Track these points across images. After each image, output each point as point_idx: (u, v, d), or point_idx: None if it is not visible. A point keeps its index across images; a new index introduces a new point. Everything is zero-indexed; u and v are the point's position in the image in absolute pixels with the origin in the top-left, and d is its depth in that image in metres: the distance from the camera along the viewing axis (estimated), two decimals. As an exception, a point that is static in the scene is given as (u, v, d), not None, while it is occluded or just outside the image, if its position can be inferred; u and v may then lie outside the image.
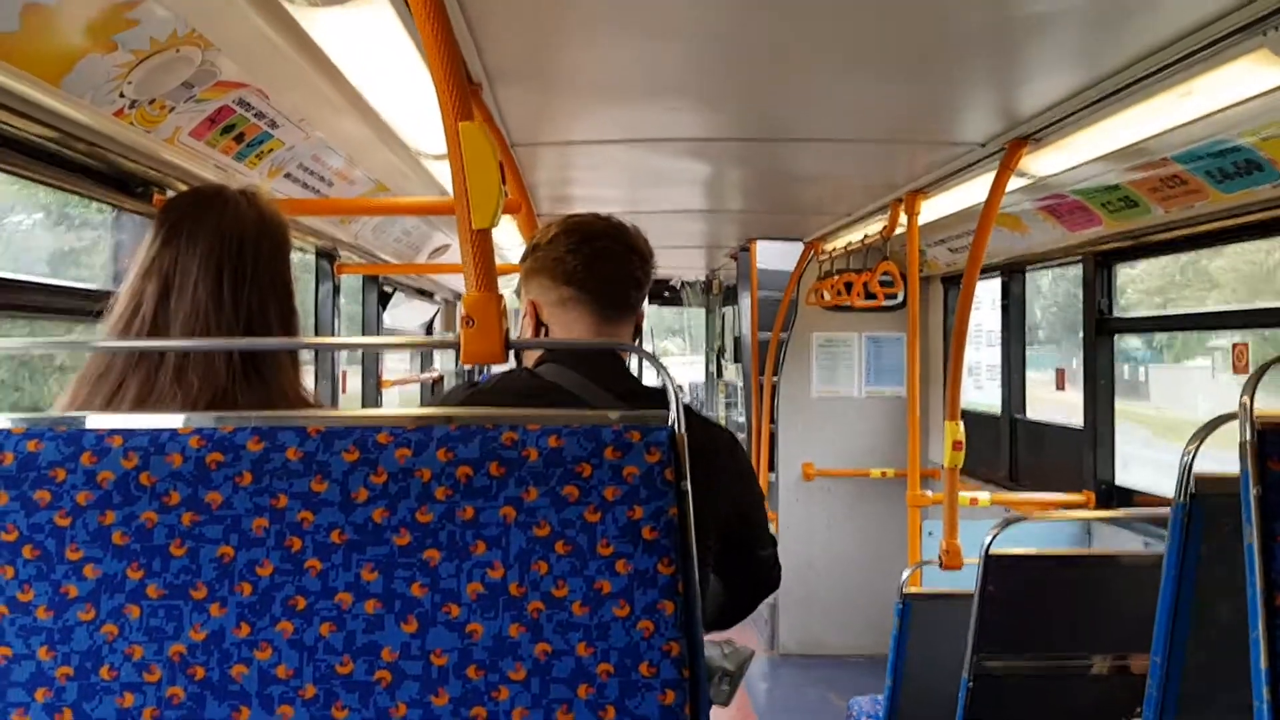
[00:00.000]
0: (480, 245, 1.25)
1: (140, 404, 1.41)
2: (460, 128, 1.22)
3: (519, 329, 1.69)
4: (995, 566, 2.38)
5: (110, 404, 1.42)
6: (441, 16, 1.24)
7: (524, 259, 1.81)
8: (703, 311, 10.50)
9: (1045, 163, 3.14)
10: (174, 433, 1.14)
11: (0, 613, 1.11)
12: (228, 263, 1.47)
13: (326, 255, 4.10)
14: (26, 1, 1.53)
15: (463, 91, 1.24)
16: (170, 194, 2.34)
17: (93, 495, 1.13)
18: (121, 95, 1.90)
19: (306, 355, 4.07)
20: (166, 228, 1.49)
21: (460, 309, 1.26)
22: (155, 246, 1.48)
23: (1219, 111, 2.42)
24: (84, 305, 2.19)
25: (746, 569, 1.87)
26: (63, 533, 1.12)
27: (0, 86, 1.66)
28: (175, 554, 1.12)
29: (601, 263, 1.74)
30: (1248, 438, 1.31)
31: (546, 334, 1.74)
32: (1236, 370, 3.33)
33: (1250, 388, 1.31)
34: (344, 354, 4.56)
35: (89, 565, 1.12)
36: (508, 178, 3.07)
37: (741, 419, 7.79)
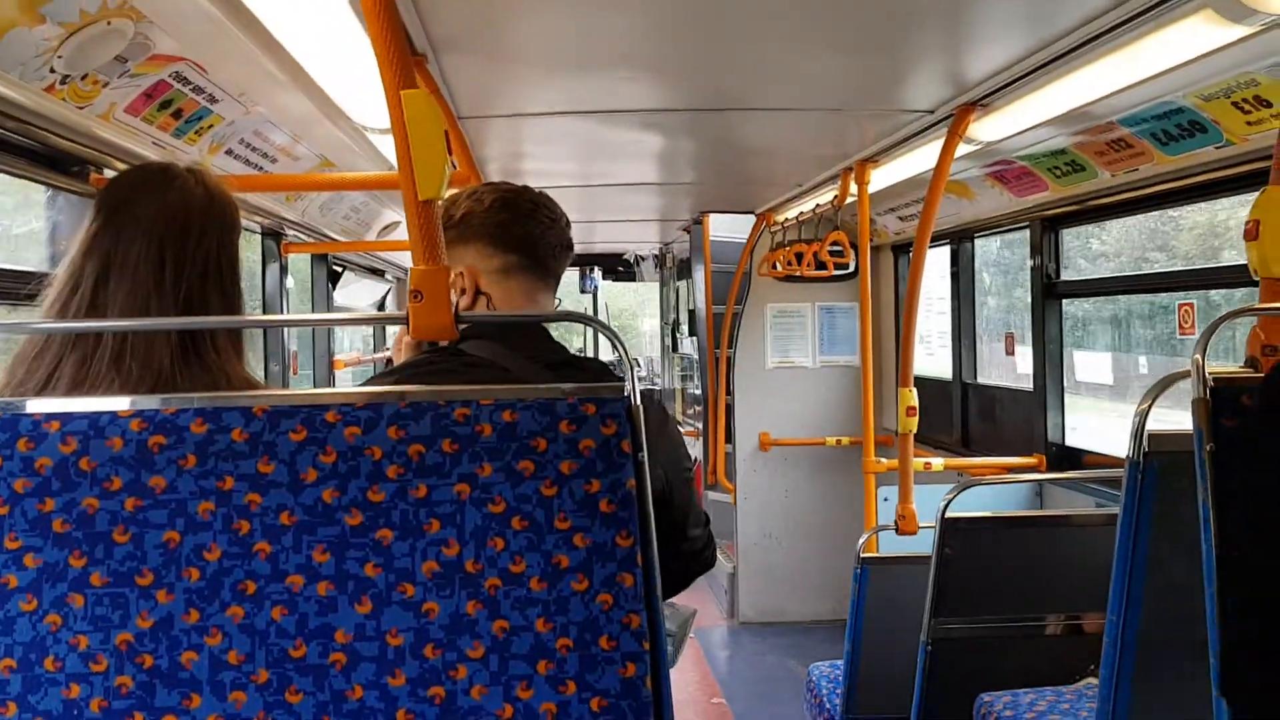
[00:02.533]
0: (426, 217, 1.23)
1: (76, 387, 1.37)
2: (403, 95, 1.19)
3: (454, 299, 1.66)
4: (951, 529, 2.40)
5: (45, 388, 1.38)
6: (380, -21, 1.20)
7: (451, 225, 1.77)
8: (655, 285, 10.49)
9: (993, 128, 3.16)
10: (114, 415, 1.10)
11: None
12: (170, 243, 1.42)
13: (273, 234, 4.02)
14: (-55, -29, 1.47)
15: (404, 58, 1.21)
16: (108, 173, 2.28)
17: (30, 482, 1.09)
18: (52, 70, 1.84)
19: (252, 338, 4.00)
20: (109, 206, 1.44)
21: (407, 283, 1.23)
22: (97, 224, 1.43)
23: (1163, 73, 2.44)
24: (17, 288, 2.13)
25: (677, 546, 1.84)
26: (0, 521, 1.09)
27: (-78, 62, 1.60)
28: (119, 540, 1.09)
29: (547, 230, 1.75)
30: (1201, 394, 1.32)
31: (489, 304, 1.71)
32: (1183, 331, 3.38)
33: (1202, 345, 1.32)
34: (294, 335, 4.49)
35: (29, 554, 1.09)
36: (455, 150, 3.02)
37: (698, 391, 7.81)
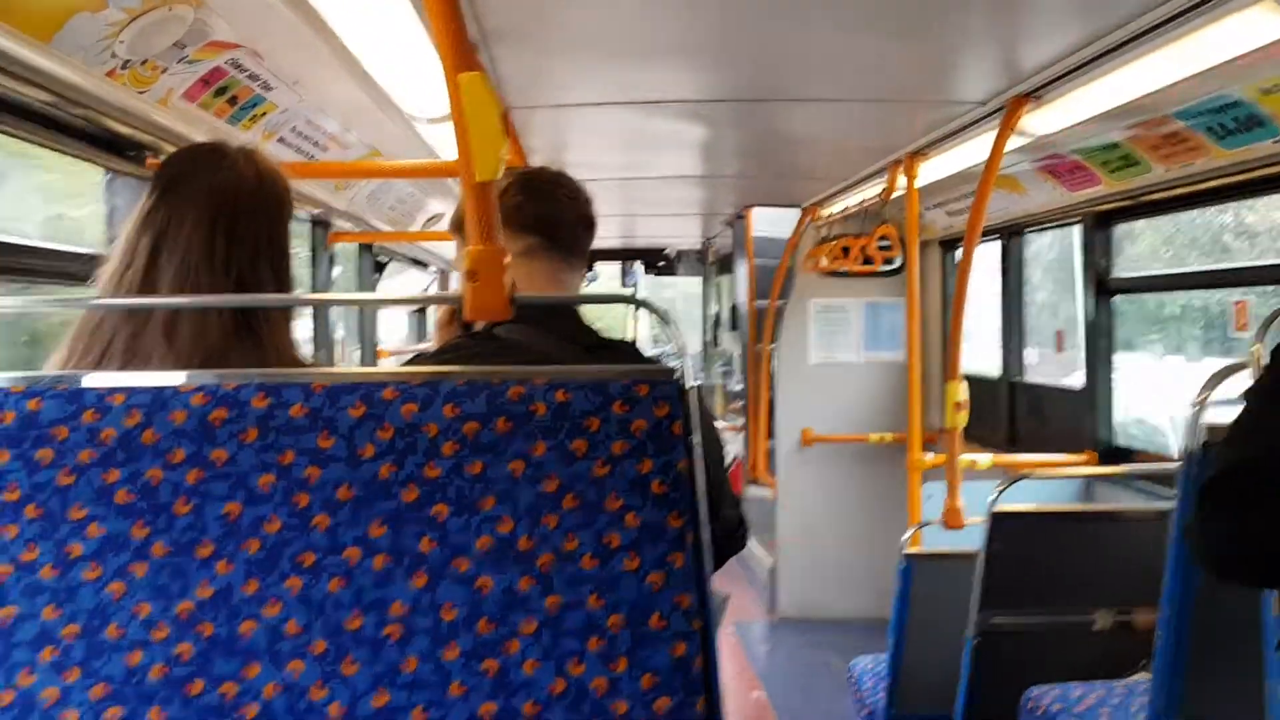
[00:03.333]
0: (483, 198, 1.24)
1: (129, 359, 1.40)
2: (460, 79, 1.20)
3: None
4: (1000, 524, 2.38)
5: (101, 360, 1.41)
6: (440, -37, 1.21)
7: (459, 228, 1.78)
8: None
9: (1046, 121, 3.12)
10: (176, 390, 1.12)
11: (4, 572, 1.10)
12: (221, 220, 1.45)
13: (320, 223, 4.07)
14: (14, -44, 1.50)
15: (463, 41, 1.22)
16: (163, 157, 2.31)
17: (95, 453, 1.11)
18: (113, 55, 1.87)
19: (300, 318, 4.04)
20: (163, 183, 1.48)
21: (463, 263, 1.24)
22: (150, 201, 1.46)
23: (1221, 66, 2.40)
24: (81, 269, 2.17)
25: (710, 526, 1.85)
26: (66, 491, 1.11)
27: (-5, 47, 1.63)
28: (180, 512, 1.11)
29: (564, 209, 1.76)
30: None
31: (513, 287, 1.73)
32: (1238, 328, 3.32)
33: (1260, 335, 1.30)
34: (340, 322, 4.54)
35: (93, 524, 1.11)
36: (507, 136, 3.04)
37: (738, 387, 7.79)
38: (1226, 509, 1.12)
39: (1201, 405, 1.45)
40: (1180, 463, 1.52)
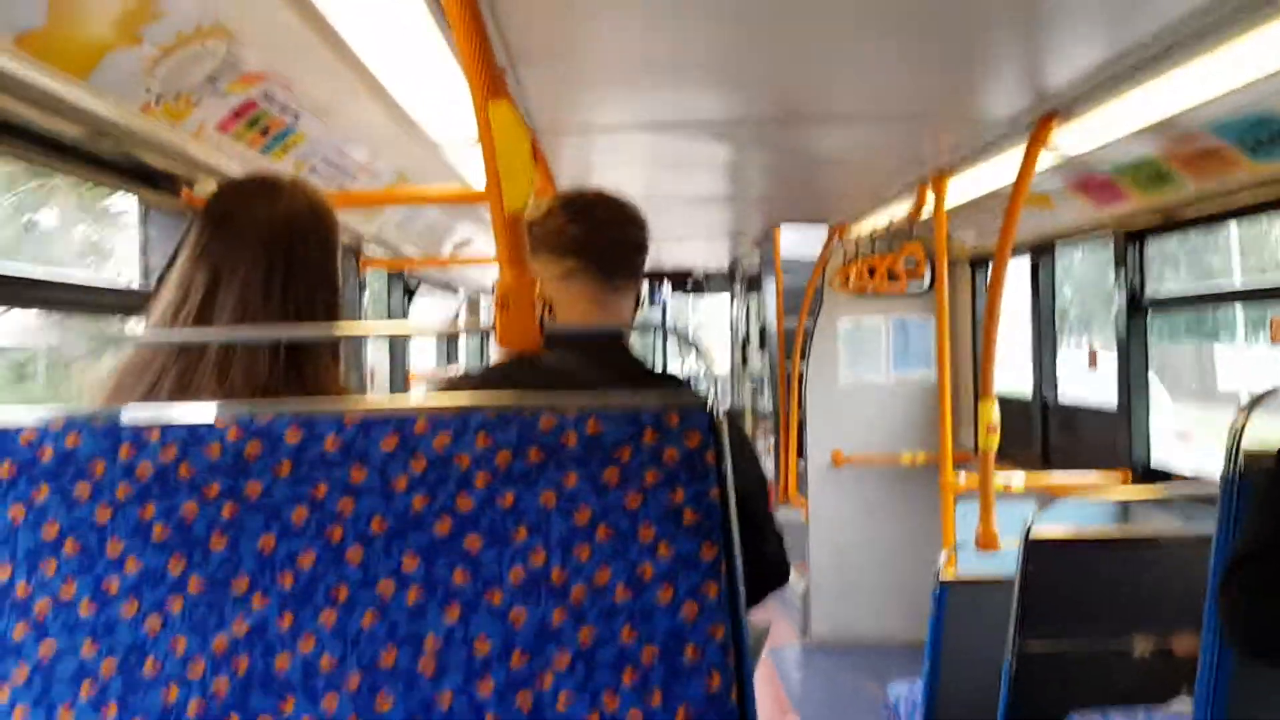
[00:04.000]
0: (513, 228, 1.24)
1: (177, 397, 1.39)
2: (490, 108, 1.21)
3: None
4: (1036, 549, 2.35)
5: (148, 397, 1.41)
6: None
7: None
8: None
9: (1076, 137, 3.09)
10: (211, 425, 1.13)
11: (43, 608, 1.11)
12: (279, 255, 1.44)
13: (350, 250, 4.10)
14: (52, -5, 1.52)
15: (493, 72, 1.23)
16: (198, 188, 2.34)
17: (132, 489, 1.12)
18: (148, 90, 1.90)
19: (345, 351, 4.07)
20: (217, 216, 1.47)
21: (490, 305, 1.24)
22: (205, 235, 1.45)
23: (1256, 82, 2.37)
24: (116, 303, 2.20)
25: (752, 563, 1.83)
26: (103, 527, 1.12)
27: (29, 83, 1.65)
28: (216, 546, 1.11)
29: (603, 230, 1.72)
30: None
31: (550, 311, 1.71)
32: (1276, 341, 3.27)
33: None
34: (371, 347, 4.56)
35: (130, 559, 1.12)
36: (536, 162, 3.06)
37: (768, 407, 7.76)
38: (1255, 595, 1.12)
39: (1240, 430, 1.43)
40: (1220, 486, 1.50)
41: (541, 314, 1.63)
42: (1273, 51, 2.20)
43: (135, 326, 1.52)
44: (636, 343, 1.76)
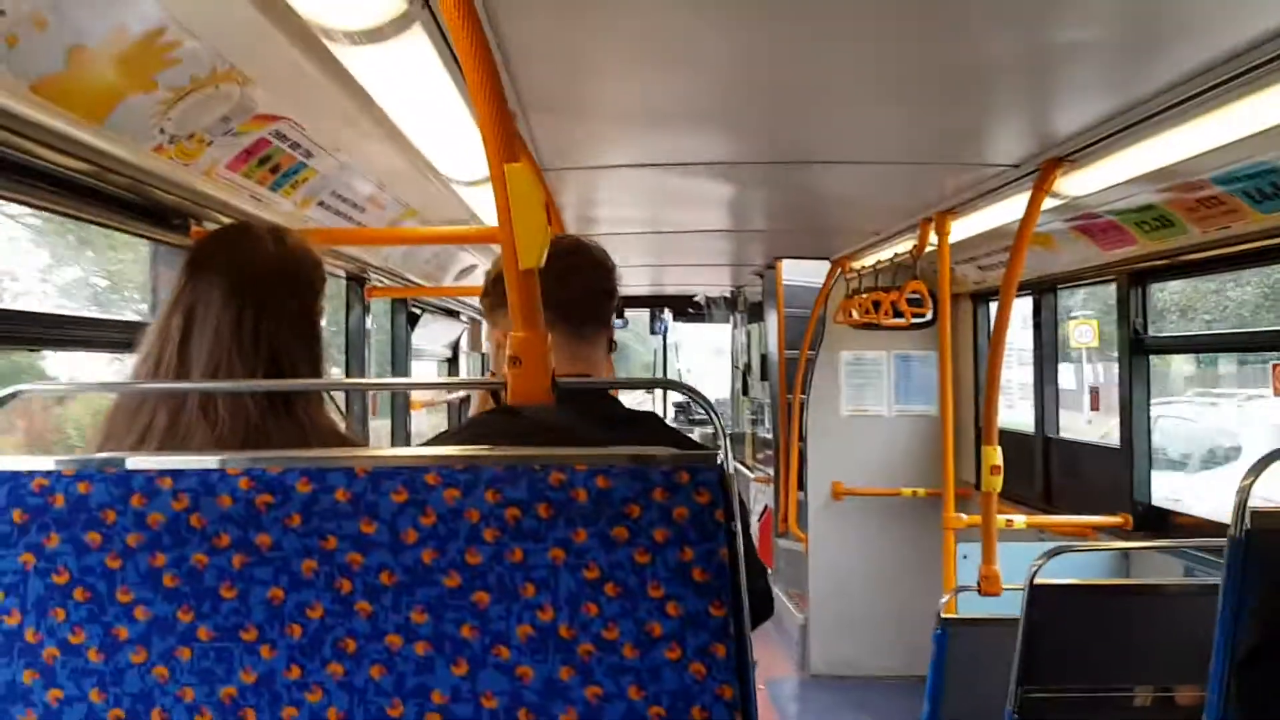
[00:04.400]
0: (527, 284, 1.25)
1: (169, 437, 1.44)
2: (506, 169, 1.22)
3: (490, 363, 1.67)
4: (1040, 596, 2.35)
5: (143, 438, 1.45)
6: (486, 57, 1.23)
7: (486, 294, 1.78)
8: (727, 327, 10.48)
9: (1080, 183, 3.12)
10: (223, 474, 1.14)
11: (52, 655, 1.11)
12: (249, 297, 1.49)
13: (356, 279, 4.12)
14: (71, 44, 1.54)
15: (509, 132, 1.24)
16: (208, 225, 2.36)
17: (143, 537, 1.13)
18: (161, 131, 1.92)
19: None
20: (193, 264, 1.53)
21: (488, 332, 1.26)
22: (181, 283, 1.52)
23: (1258, 134, 2.39)
24: (127, 338, 2.21)
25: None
26: (113, 574, 1.12)
27: (45, 126, 1.67)
28: (226, 596, 1.12)
29: (570, 279, 1.72)
30: None
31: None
32: (1277, 392, 3.28)
33: None
34: (372, 373, 4.57)
35: (140, 607, 1.12)
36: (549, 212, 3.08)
37: (768, 435, 7.76)
38: (1260, 705, 1.13)
39: (1248, 490, 1.44)
40: (1228, 544, 1.50)
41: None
42: (1273, 110, 2.22)
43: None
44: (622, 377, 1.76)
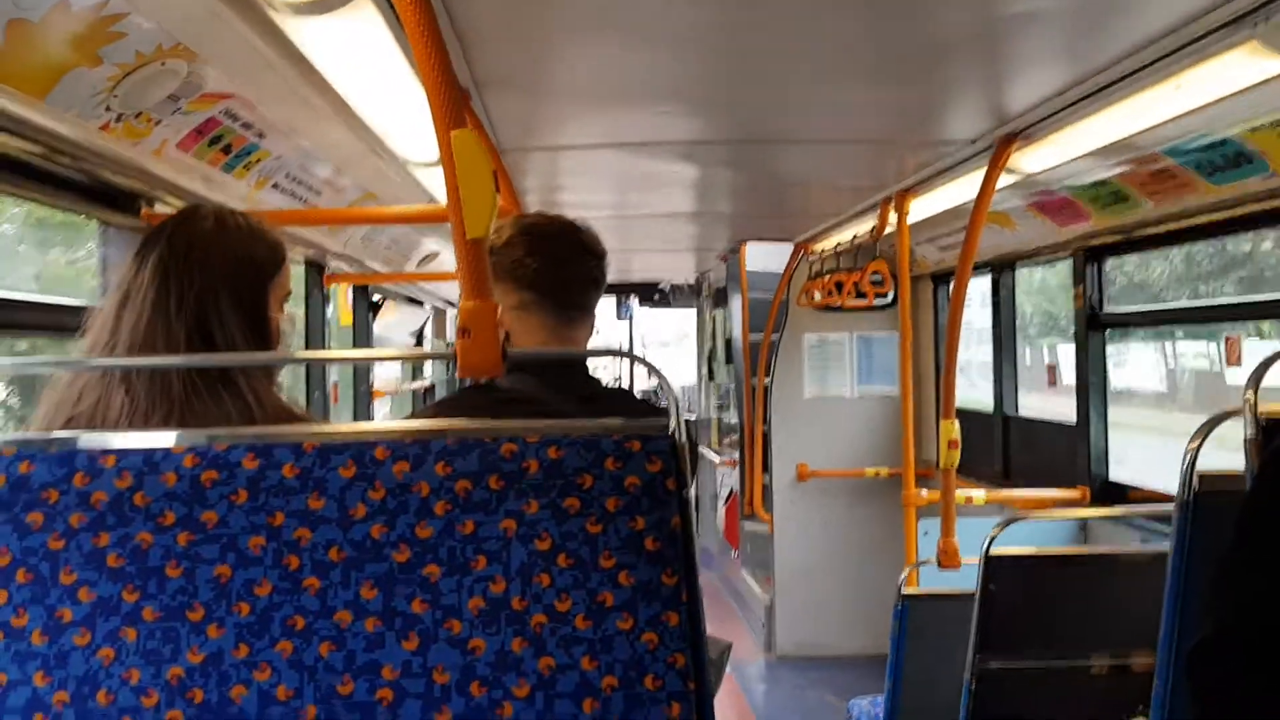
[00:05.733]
0: (474, 254, 1.24)
1: (95, 413, 1.44)
2: (453, 135, 1.21)
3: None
4: (996, 567, 2.37)
5: (70, 419, 1.45)
6: (432, 26, 1.22)
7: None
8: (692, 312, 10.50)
9: (1035, 159, 3.14)
10: (168, 452, 1.12)
11: None
12: (175, 264, 1.50)
13: (315, 265, 4.07)
14: (11, 17, 1.51)
15: (455, 99, 1.23)
16: (159, 207, 2.33)
17: (86, 517, 1.11)
18: (108, 109, 1.88)
19: (294, 369, 4.06)
20: (139, 250, 1.54)
21: (455, 319, 1.25)
22: (127, 266, 1.54)
23: (1209, 105, 2.42)
24: (77, 321, 2.17)
25: None
26: (56, 555, 1.10)
27: (-17, 102, 1.64)
28: (171, 575, 1.11)
29: (560, 265, 1.73)
30: (1251, 434, 1.31)
31: (507, 339, 1.72)
32: (1230, 363, 3.33)
33: (1254, 383, 1.30)
34: (335, 365, 4.53)
35: (84, 588, 1.10)
36: (499, 184, 3.06)
37: (734, 420, 7.79)
38: (1212, 696, 1.16)
39: (1195, 453, 1.45)
40: (1175, 508, 1.52)
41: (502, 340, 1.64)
42: (1224, 80, 2.25)
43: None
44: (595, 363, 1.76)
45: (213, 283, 1.50)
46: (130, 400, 1.43)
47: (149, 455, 1.12)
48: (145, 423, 1.42)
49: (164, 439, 1.13)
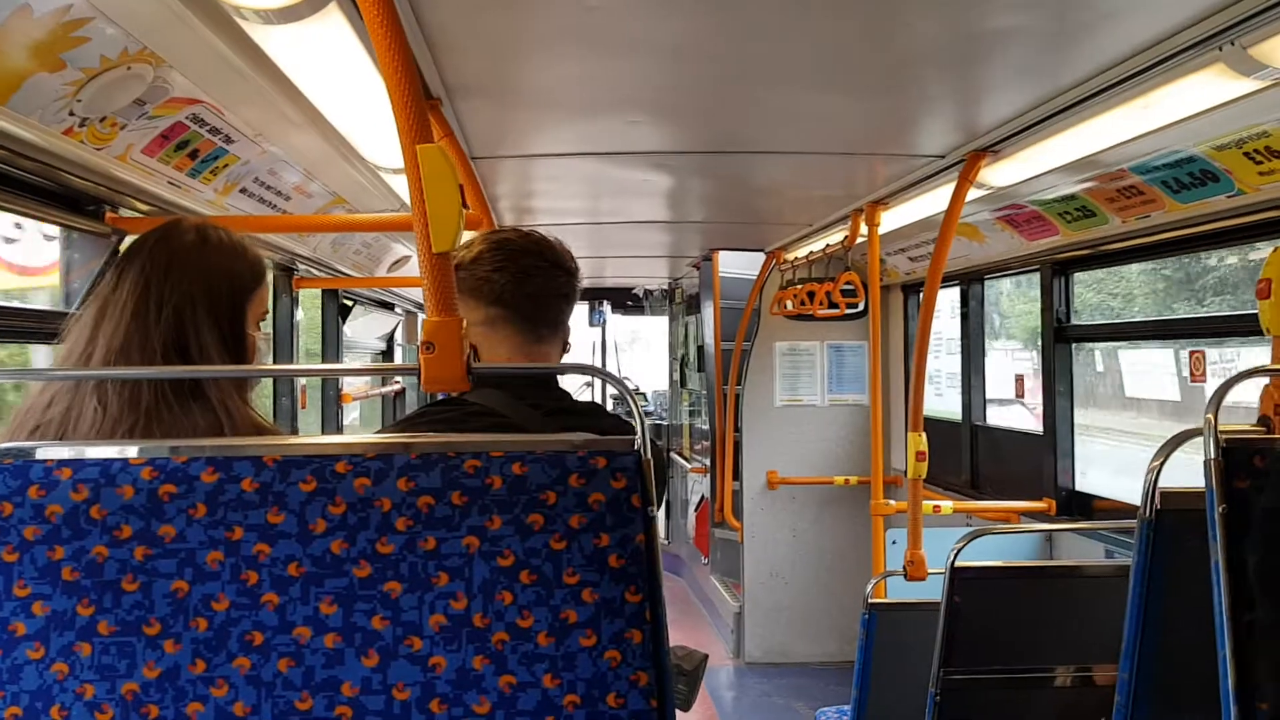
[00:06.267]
0: (440, 268, 1.23)
1: (65, 422, 1.43)
2: (418, 150, 1.20)
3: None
4: (961, 579, 2.38)
5: (37, 429, 1.44)
6: (398, 35, 1.21)
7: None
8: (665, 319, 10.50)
9: (1004, 174, 3.17)
10: (125, 463, 1.10)
11: None
12: (155, 277, 1.50)
13: (284, 269, 4.04)
14: (-30, 20, 1.49)
15: (421, 113, 1.22)
16: (124, 212, 2.30)
17: (41, 530, 1.09)
18: (71, 114, 1.86)
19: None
20: (119, 262, 1.55)
21: (419, 334, 1.24)
22: (108, 279, 1.54)
23: (1175, 124, 2.45)
24: (36, 327, 2.15)
25: None
26: (10, 568, 1.09)
27: (-57, 106, 1.61)
28: (127, 589, 1.09)
29: (528, 281, 1.71)
30: (1212, 455, 1.32)
31: (475, 355, 1.71)
32: (1194, 379, 3.36)
33: (1214, 404, 1.31)
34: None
35: (37, 602, 1.09)
36: (468, 192, 3.04)
37: (705, 426, 7.80)
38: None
39: (1157, 471, 1.46)
40: (1137, 524, 1.53)
41: (468, 355, 1.63)
42: (1190, 100, 2.27)
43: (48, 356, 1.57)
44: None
45: (191, 297, 1.50)
46: (102, 409, 1.42)
47: (106, 467, 1.10)
48: (113, 433, 1.41)
49: (123, 451, 1.12)
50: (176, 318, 1.48)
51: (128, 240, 2.22)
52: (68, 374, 1.49)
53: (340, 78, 2.10)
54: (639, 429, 1.14)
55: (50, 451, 1.12)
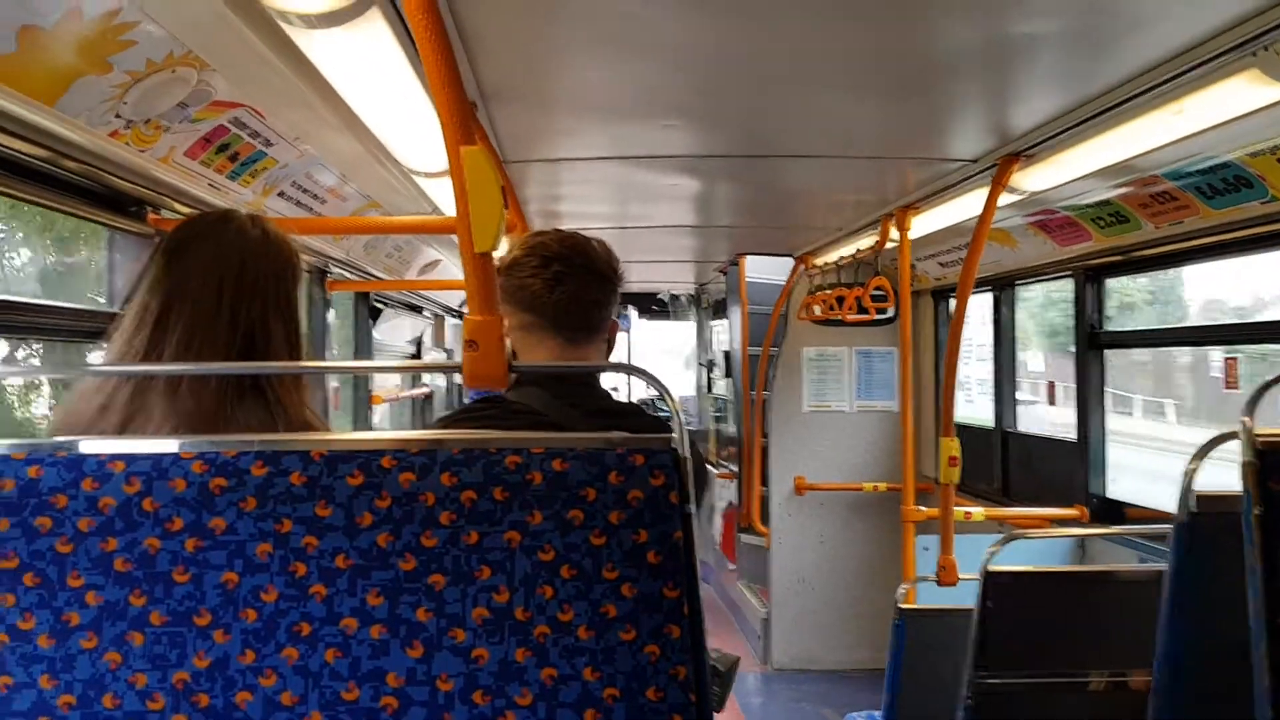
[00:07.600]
0: (482, 268, 1.25)
1: (130, 414, 1.43)
2: (462, 152, 1.22)
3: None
4: (994, 584, 2.38)
5: (102, 414, 1.43)
6: (443, 41, 1.24)
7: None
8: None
9: (1037, 179, 3.16)
10: (176, 457, 1.13)
11: (1, 640, 1.10)
12: (229, 275, 1.49)
13: (317, 272, 4.08)
14: (24, 23, 1.52)
15: (465, 116, 1.24)
16: (165, 213, 2.34)
17: (94, 521, 1.12)
18: (117, 115, 1.90)
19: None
20: (172, 250, 1.52)
21: (455, 328, 1.26)
22: (160, 268, 1.50)
23: (1210, 129, 2.43)
24: (85, 325, 2.19)
25: None
26: (64, 559, 1.11)
27: (-5, 108, 1.65)
28: (178, 580, 1.11)
29: (560, 287, 1.71)
30: (1248, 458, 1.31)
31: (515, 357, 1.72)
32: (1228, 385, 3.34)
33: (1250, 407, 1.31)
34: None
35: (91, 592, 1.11)
36: (506, 197, 3.07)
37: (732, 431, 7.79)
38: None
39: (1192, 475, 1.46)
40: (1173, 528, 1.53)
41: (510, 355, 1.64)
42: (1225, 105, 2.26)
43: (96, 353, 1.56)
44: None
45: (259, 291, 1.49)
46: (175, 410, 1.42)
47: (158, 461, 1.13)
48: (178, 430, 1.41)
49: (173, 445, 1.14)
50: (248, 315, 1.47)
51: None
52: (149, 369, 1.47)
53: (379, 82, 2.13)
54: (677, 427, 1.16)
55: (101, 444, 1.15)
